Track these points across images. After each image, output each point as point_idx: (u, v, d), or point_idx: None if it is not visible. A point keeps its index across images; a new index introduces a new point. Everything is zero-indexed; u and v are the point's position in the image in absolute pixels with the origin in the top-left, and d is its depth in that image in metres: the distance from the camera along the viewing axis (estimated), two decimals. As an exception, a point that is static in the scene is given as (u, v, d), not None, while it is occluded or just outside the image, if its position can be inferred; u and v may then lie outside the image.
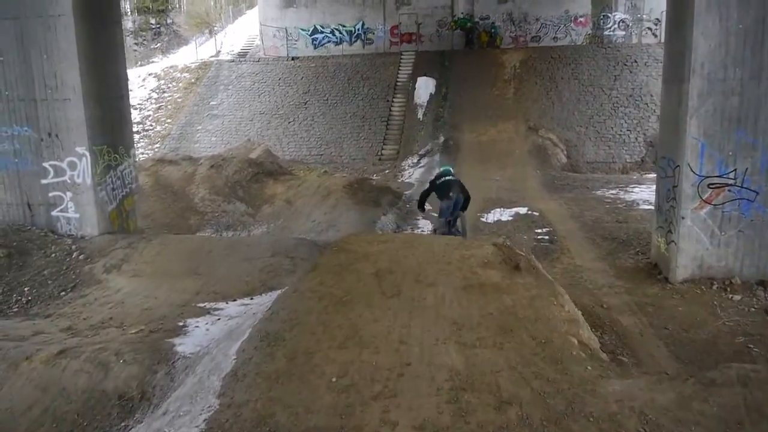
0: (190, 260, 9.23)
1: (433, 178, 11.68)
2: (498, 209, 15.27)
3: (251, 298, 7.91)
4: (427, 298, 5.75)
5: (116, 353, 5.94)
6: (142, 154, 27.61)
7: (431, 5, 31.76)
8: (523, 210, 14.96)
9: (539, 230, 13.01)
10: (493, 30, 31.28)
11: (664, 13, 29.63)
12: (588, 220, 13.82)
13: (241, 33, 39.11)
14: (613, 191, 17.50)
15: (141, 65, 39.71)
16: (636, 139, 23.63)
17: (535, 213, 14.59)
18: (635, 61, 27.12)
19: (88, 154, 10.22)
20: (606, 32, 30.59)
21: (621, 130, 24.10)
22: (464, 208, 11.05)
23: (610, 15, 30.55)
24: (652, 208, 14.90)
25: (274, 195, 14.79)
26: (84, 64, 10.01)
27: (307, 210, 13.65)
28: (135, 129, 29.42)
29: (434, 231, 11.69)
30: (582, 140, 24.00)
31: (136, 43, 64.28)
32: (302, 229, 12.75)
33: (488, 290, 5.81)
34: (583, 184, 18.84)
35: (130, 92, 32.76)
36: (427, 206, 12.05)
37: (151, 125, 29.49)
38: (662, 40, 29.75)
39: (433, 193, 11.00)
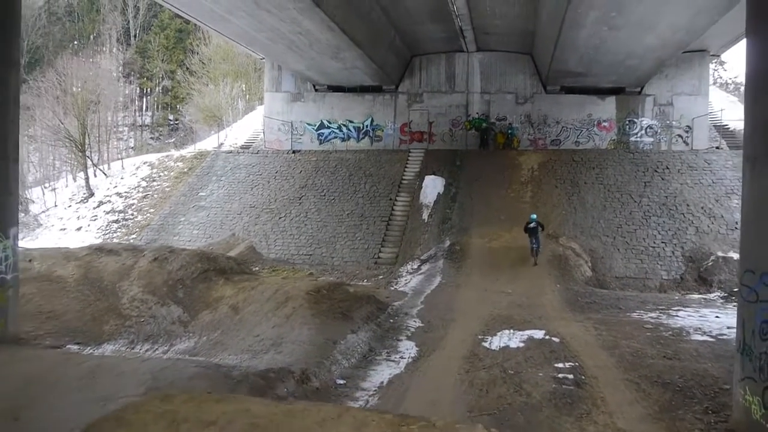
0: (17, 396, 6.00)
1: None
2: (506, 331, 11.87)
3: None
4: None
5: None
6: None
7: (445, 104, 29.93)
8: (538, 334, 11.53)
9: (559, 365, 9.54)
10: (510, 131, 29.11)
11: (695, 120, 27.70)
12: (625, 352, 10.32)
13: (249, 127, 37.74)
14: (653, 314, 14.00)
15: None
16: (673, 253, 20.34)
17: (554, 339, 11.15)
18: (667, 168, 24.39)
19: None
20: (632, 138, 28.22)
21: (654, 242, 20.88)
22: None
23: (636, 120, 28.30)
24: (708, 338, 11.55)
25: (221, 299, 11.68)
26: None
27: (254, 321, 10.45)
28: (115, 218, 27.09)
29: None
30: (609, 251, 20.77)
31: (152, 138, 64.65)
32: (239, 347, 9.48)
33: None
34: (614, 303, 15.39)
35: (120, 180, 30.91)
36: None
37: (133, 214, 27.06)
38: (694, 147, 27.51)
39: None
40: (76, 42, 58.77)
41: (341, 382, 8.49)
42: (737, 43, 27.30)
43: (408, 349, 10.46)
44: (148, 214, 26.81)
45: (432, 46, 28.67)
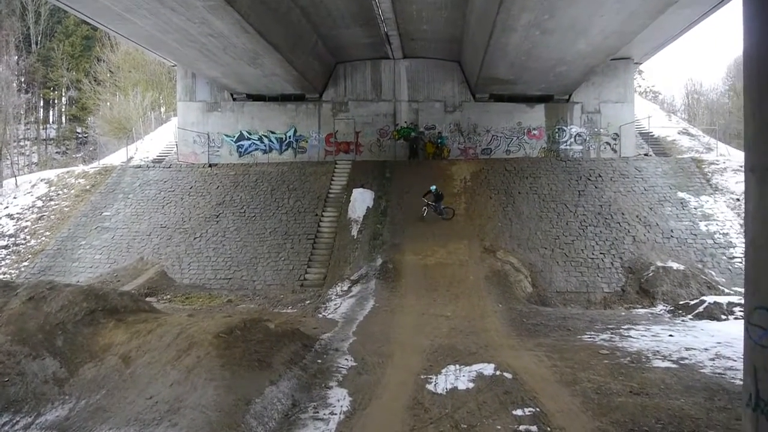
0: None
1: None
2: (452, 366, 10.39)
3: None
4: None
5: None
6: (5, 273, 21.93)
7: (372, 112, 28.55)
8: (488, 369, 10.12)
9: (518, 412, 8.11)
10: (440, 141, 28.06)
11: (622, 127, 27.54)
12: (588, 389, 9.05)
13: (162, 140, 34.98)
14: (604, 336, 12.94)
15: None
16: (612, 264, 19.64)
17: (506, 375, 9.75)
18: (599, 176, 23.93)
19: None
20: (562, 146, 27.81)
21: (593, 254, 20.14)
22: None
23: (565, 128, 27.93)
24: (670, 365, 10.48)
25: (109, 346, 9.56)
26: None
27: (148, 376, 8.44)
28: (4, 243, 23.94)
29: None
30: (548, 264, 19.84)
31: (58, 152, 59.94)
32: (125, 416, 7.48)
33: None
34: (562, 323, 14.26)
35: (13, 200, 27.54)
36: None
37: (25, 239, 23.96)
38: (622, 155, 27.32)
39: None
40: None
41: (255, 459, 6.71)
42: (658, 52, 27.41)
43: (339, 399, 8.74)
44: (44, 238, 23.79)
45: (357, 53, 27.25)
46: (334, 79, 28.59)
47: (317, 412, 8.21)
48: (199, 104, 28.98)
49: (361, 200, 23.79)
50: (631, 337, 12.73)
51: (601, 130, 27.73)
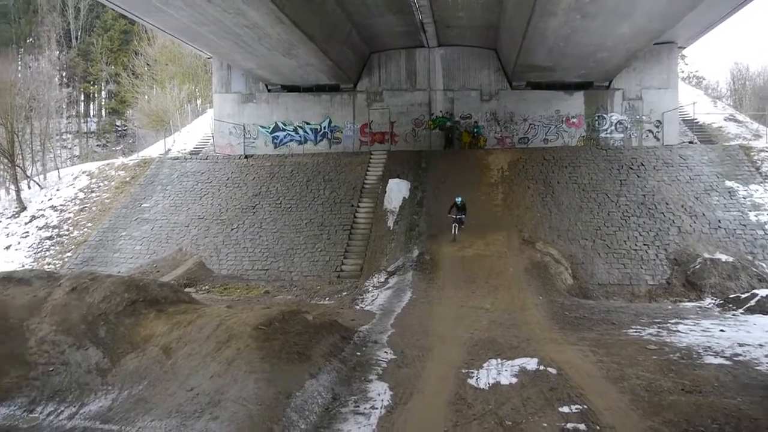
0: None
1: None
2: (494, 360, 10.15)
3: None
4: None
5: None
6: (49, 264, 22.45)
7: (406, 102, 28.23)
8: (531, 363, 9.85)
9: (565, 409, 7.85)
10: (476, 130, 27.62)
11: (666, 114, 26.64)
12: (637, 386, 8.71)
13: (198, 131, 35.31)
14: (651, 330, 12.52)
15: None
16: (656, 255, 19.04)
17: (550, 370, 9.47)
18: (642, 165, 23.22)
19: None
20: (602, 134, 27.05)
21: (636, 245, 19.56)
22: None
23: (605, 116, 27.14)
24: (723, 361, 10.03)
25: (150, 337, 9.61)
26: None
27: (189, 367, 8.44)
28: (49, 234, 24.50)
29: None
30: (589, 256, 19.34)
31: (98, 145, 61.26)
32: (167, 407, 7.48)
33: None
34: (605, 317, 13.86)
35: (56, 192, 28.18)
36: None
37: (68, 230, 24.48)
38: (665, 143, 26.46)
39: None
40: (13, 45, 55.02)
41: (297, 455, 6.63)
42: (703, 35, 26.46)
43: (380, 393, 8.60)
44: (86, 229, 24.26)
45: (391, 42, 26.95)
46: (369, 68, 28.36)
47: (358, 406, 8.09)
48: (234, 96, 29.09)
49: (397, 191, 23.59)
50: (679, 331, 12.28)
51: (644, 117, 26.88)
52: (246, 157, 27.39)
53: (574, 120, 27.28)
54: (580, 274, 18.39)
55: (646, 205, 21.06)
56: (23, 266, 21.80)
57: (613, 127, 27.15)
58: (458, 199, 20.36)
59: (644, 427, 7.26)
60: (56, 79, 51.11)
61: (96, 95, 64.84)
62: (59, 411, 7.93)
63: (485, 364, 9.92)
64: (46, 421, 7.68)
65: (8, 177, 30.93)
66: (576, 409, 7.84)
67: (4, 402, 8.23)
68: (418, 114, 28.20)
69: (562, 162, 23.95)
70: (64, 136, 56.05)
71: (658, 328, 12.65)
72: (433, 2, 21.35)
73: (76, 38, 61.03)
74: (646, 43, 21.86)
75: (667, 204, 20.95)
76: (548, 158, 24.31)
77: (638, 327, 12.76)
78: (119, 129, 60.60)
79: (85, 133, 61.03)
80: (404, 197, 23.25)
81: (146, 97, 46.17)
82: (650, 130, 26.85)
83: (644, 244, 19.52)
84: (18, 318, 10.44)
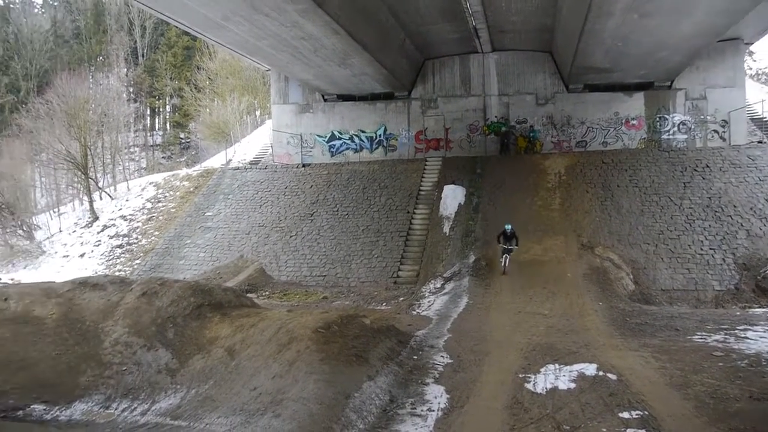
0: None
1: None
2: (551, 366, 10.07)
3: None
4: None
5: None
6: (120, 271, 23.58)
7: (461, 108, 28.23)
8: (590, 369, 9.72)
9: (625, 414, 7.74)
10: (531, 134, 27.33)
11: (732, 113, 25.62)
12: (701, 392, 8.49)
13: (257, 142, 36.34)
14: (717, 336, 12.10)
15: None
16: (723, 260, 18.36)
17: (610, 376, 9.33)
18: (707, 166, 22.45)
19: None
20: (664, 135, 26.26)
21: (702, 249, 18.91)
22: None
23: (667, 117, 26.34)
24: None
25: (215, 339, 10.03)
26: None
27: (252, 368, 8.77)
28: (119, 243, 25.72)
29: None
30: (652, 261, 18.84)
31: (164, 157, 63.80)
32: (232, 405, 7.82)
33: None
34: (669, 323, 13.48)
35: (126, 202, 29.58)
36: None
37: (137, 238, 25.67)
38: (732, 143, 25.44)
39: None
40: (84, 64, 58.15)
41: (356, 453, 6.82)
42: (773, 30, 25.36)
43: (437, 396, 8.70)
44: (153, 237, 25.38)
45: (445, 48, 27.05)
46: (423, 76, 28.53)
47: (415, 408, 8.22)
48: (292, 106, 29.81)
49: (453, 197, 23.62)
50: (748, 338, 11.81)
51: (708, 117, 25.95)
52: (303, 165, 28.02)
53: (634, 122, 26.61)
54: (642, 280, 17.93)
55: (712, 208, 20.35)
56: (96, 273, 22.98)
57: (675, 128, 26.33)
58: (507, 227, 18.51)
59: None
60: (124, 95, 53.69)
61: (161, 109, 67.56)
62: (133, 408, 8.40)
63: (543, 369, 9.85)
64: (121, 417, 8.16)
65: (82, 189, 32.67)
66: (636, 414, 7.72)
67: (82, 398, 8.79)
68: (473, 120, 28.14)
69: (621, 165, 23.43)
70: (131, 149, 58.64)
71: (725, 334, 12.21)
72: (487, 7, 21.36)
73: (143, 55, 63.83)
74: (710, 41, 21.17)
75: (734, 206, 20.18)
76: (607, 161, 23.82)
77: (704, 333, 12.36)
78: (183, 141, 62.94)
79: (151, 145, 63.64)
80: (460, 203, 23.25)
81: (208, 109, 47.82)
82: (715, 131, 25.89)
83: (710, 248, 18.85)
84: (93, 321, 11.12)
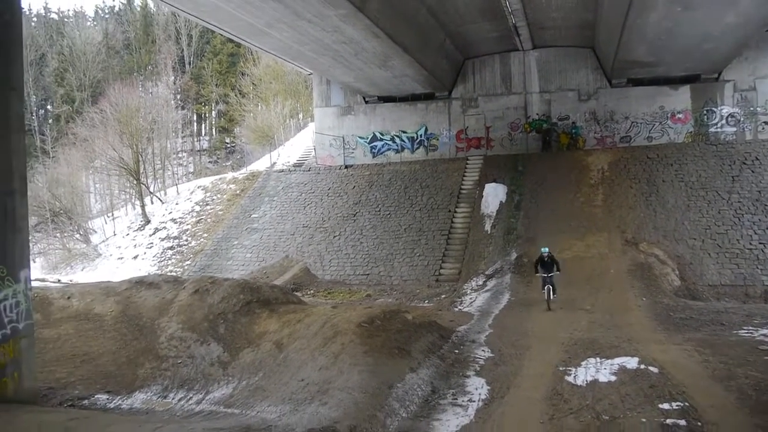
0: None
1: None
2: (592, 359, 10.14)
3: None
4: None
5: None
6: (171, 271, 24.52)
7: (502, 106, 28.22)
8: (631, 362, 9.77)
9: (665, 406, 7.80)
10: (574, 131, 27.10)
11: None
12: (745, 385, 8.46)
13: (301, 145, 37.08)
14: (765, 330, 11.94)
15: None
16: (774, 255, 17.94)
17: (651, 369, 9.37)
18: (756, 159, 21.93)
19: None
20: (712, 129, 25.64)
21: (751, 244, 18.52)
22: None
23: (715, 110, 25.72)
24: None
25: (264, 334, 10.50)
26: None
27: (299, 360, 9.18)
28: (170, 245, 26.70)
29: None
30: (698, 256, 18.54)
31: (210, 161, 65.54)
32: (281, 395, 8.23)
33: None
34: (715, 318, 13.34)
35: (175, 206, 30.67)
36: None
37: (187, 240, 26.63)
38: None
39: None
40: (134, 73, 60.32)
41: (399, 439, 7.11)
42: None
43: (477, 388, 8.93)
44: (202, 239, 26.28)
45: (485, 47, 27.12)
46: (463, 75, 28.65)
47: (456, 399, 8.46)
48: (333, 109, 30.35)
49: (494, 195, 23.69)
50: (797, 332, 11.63)
51: (758, 108, 25.24)
52: (346, 167, 28.50)
53: (680, 115, 26.09)
54: (688, 275, 17.69)
55: (762, 202, 19.87)
56: (150, 273, 23.95)
57: (723, 121, 25.70)
58: (544, 251, 15.57)
59: (751, 425, 7.10)
60: (172, 102, 55.43)
61: (207, 115, 69.39)
62: (188, 397, 8.91)
63: (583, 363, 9.95)
64: (178, 406, 8.67)
65: (134, 193, 34.02)
66: (677, 405, 7.77)
67: (141, 389, 9.36)
68: (514, 118, 28.09)
69: (667, 160, 23.07)
70: (179, 155, 60.48)
71: (773, 329, 12.03)
72: (527, 5, 21.38)
73: (189, 63, 65.72)
74: (757, 30, 20.67)
75: (786, 200, 19.67)
76: (652, 156, 23.49)
77: (750, 328, 12.20)
78: (228, 146, 64.51)
79: (198, 150, 65.44)
80: (501, 201, 23.30)
81: (252, 114, 48.95)
82: (766, 122, 25.17)
83: (760, 243, 18.44)
84: (150, 317, 11.75)
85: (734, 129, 25.41)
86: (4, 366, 7.44)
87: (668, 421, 7.32)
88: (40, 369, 9.06)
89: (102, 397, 8.98)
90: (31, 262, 11.50)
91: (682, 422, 7.25)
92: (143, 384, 9.52)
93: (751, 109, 25.26)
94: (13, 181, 7.64)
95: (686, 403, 7.81)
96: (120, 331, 11.39)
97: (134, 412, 8.39)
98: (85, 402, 8.78)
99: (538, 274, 15.59)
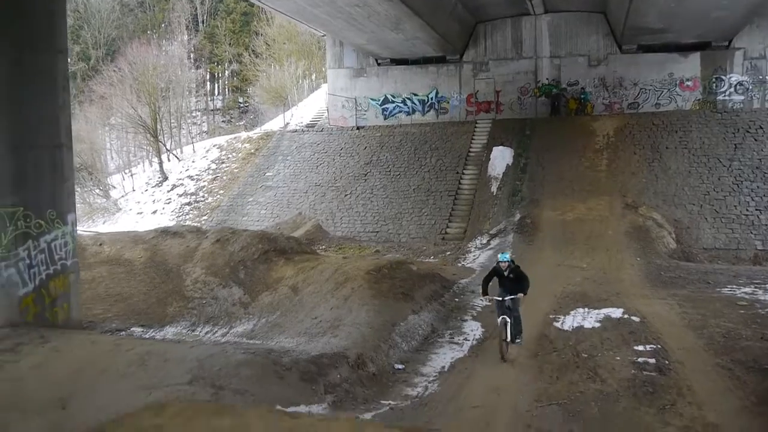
0: (66, 384, 5.93)
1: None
2: (581, 309, 11.06)
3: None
4: None
5: None
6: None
7: (512, 71, 28.58)
8: (616, 312, 10.67)
9: (640, 347, 8.72)
10: (583, 96, 27.49)
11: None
12: (715, 333, 9.35)
13: (314, 105, 37.67)
14: (747, 289, 12.77)
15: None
16: (768, 220, 18.64)
17: (633, 318, 10.27)
18: (760, 128, 22.37)
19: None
20: (720, 96, 25.94)
21: (747, 210, 19.19)
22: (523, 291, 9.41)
23: (724, 78, 25.97)
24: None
25: (280, 279, 11.49)
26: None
27: (313, 302, 10.19)
28: (188, 201, 27.72)
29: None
30: (695, 221, 19.27)
31: (224, 121, 66.20)
32: (297, 330, 9.26)
33: None
34: (702, 277, 14.18)
35: (192, 163, 31.59)
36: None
37: (203, 196, 27.61)
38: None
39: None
40: (148, 32, 60.63)
41: (399, 367, 8.09)
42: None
43: (473, 330, 9.91)
44: (218, 196, 27.28)
45: (496, 11, 27.37)
46: (474, 39, 28.96)
47: (453, 338, 9.45)
48: (346, 71, 30.83)
49: (501, 158, 24.37)
50: (777, 291, 12.45)
51: (767, 77, 25.52)
52: (358, 128, 29.17)
53: (689, 83, 26.38)
54: (685, 239, 18.45)
55: (761, 170, 20.45)
56: (169, 228, 25.04)
57: (732, 89, 25.97)
58: (503, 258, 9.83)
59: (712, 364, 8.01)
60: (186, 61, 55.88)
61: (220, 75, 69.73)
62: (214, 331, 9.99)
63: (572, 312, 10.87)
64: (206, 338, 9.73)
65: (152, 151, 34.94)
66: (650, 347, 8.68)
67: (171, 324, 10.47)
68: (524, 82, 28.47)
69: (672, 127, 23.56)
70: (194, 114, 61.18)
71: (755, 287, 12.85)
72: (538, -30, 21.67)
73: (203, 22, 65.83)
74: (767, -2, 20.86)
75: (785, 168, 20.24)
76: (657, 123, 23.98)
77: (734, 286, 13.03)
78: (242, 105, 65.01)
79: (212, 110, 66.03)
80: (507, 164, 23.99)
81: (266, 74, 49.36)
82: (774, 91, 25.47)
83: (756, 209, 19.11)
84: (176, 263, 12.80)
85: (742, 97, 25.71)
86: (56, 297, 8.45)
87: (639, 359, 8.24)
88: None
89: (137, 330, 10.07)
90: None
91: (652, 360, 8.17)
92: (173, 320, 10.60)
93: (760, 77, 25.49)
94: (61, 136, 8.52)
95: (659, 346, 8.73)
96: (149, 274, 12.45)
97: (168, 341, 9.44)
98: (122, 333, 9.86)
99: (487, 296, 9.44)
